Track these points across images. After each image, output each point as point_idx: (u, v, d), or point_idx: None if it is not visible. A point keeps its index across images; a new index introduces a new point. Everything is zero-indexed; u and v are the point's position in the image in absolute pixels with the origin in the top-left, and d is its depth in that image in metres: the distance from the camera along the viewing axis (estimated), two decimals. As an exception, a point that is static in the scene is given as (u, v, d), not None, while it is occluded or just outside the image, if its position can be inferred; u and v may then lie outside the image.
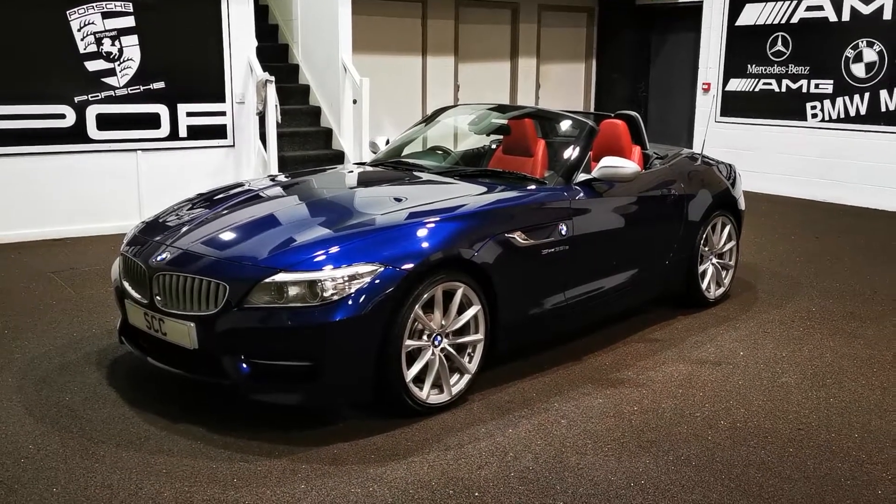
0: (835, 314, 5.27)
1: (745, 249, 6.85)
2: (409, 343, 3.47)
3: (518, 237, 3.90)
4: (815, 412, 3.77)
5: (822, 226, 8.31)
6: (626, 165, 4.34)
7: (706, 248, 5.27)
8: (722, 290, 5.46)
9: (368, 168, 4.99)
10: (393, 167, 4.88)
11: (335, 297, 3.28)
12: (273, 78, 7.42)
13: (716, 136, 10.47)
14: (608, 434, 3.49)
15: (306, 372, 3.32)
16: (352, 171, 4.94)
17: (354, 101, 8.20)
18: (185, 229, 3.81)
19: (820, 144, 9.55)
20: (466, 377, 3.76)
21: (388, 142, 5.43)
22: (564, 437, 3.45)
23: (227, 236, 3.69)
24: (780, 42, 9.79)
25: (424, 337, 3.57)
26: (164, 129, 7.33)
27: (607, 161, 4.37)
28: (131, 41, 7.07)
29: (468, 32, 10.81)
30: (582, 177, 4.44)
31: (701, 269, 5.24)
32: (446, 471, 3.15)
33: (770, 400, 3.91)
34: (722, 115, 10.46)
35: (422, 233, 3.61)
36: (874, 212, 9.04)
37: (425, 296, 3.48)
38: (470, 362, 3.78)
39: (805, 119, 9.64)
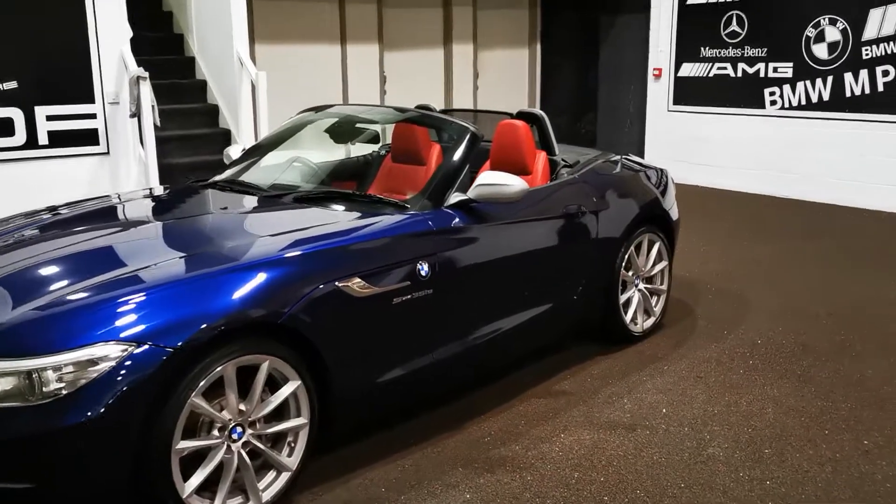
0: (785, 348, 4.39)
1: (689, 260, 5.96)
2: (186, 444, 2.55)
3: (354, 285, 2.96)
4: (745, 506, 2.89)
5: (781, 227, 7.43)
6: (509, 182, 3.42)
7: (629, 273, 4.37)
8: (652, 320, 4.56)
9: (191, 189, 3.99)
10: (222, 188, 3.91)
11: (65, 392, 2.34)
12: (147, 74, 6.40)
13: (669, 128, 9.61)
14: (461, 558, 2.59)
15: (30, 498, 2.39)
16: (158, 198, 3.94)
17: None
18: None
19: (780, 134, 8.65)
20: (285, 475, 2.84)
21: (244, 150, 4.47)
22: (399, 567, 2.54)
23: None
24: (734, 21, 8.86)
25: (215, 431, 2.64)
26: (20, 137, 6.30)
27: (485, 177, 3.45)
28: (-28, 35, 6.04)
29: (394, 17, 9.77)
30: (455, 197, 3.51)
31: (623, 298, 4.34)
32: None
33: (689, 485, 3.02)
34: (675, 103, 9.54)
35: (203, 291, 2.66)
36: (840, 209, 8.16)
37: (207, 378, 2.55)
38: (290, 455, 2.85)
39: (763, 107, 8.73)
